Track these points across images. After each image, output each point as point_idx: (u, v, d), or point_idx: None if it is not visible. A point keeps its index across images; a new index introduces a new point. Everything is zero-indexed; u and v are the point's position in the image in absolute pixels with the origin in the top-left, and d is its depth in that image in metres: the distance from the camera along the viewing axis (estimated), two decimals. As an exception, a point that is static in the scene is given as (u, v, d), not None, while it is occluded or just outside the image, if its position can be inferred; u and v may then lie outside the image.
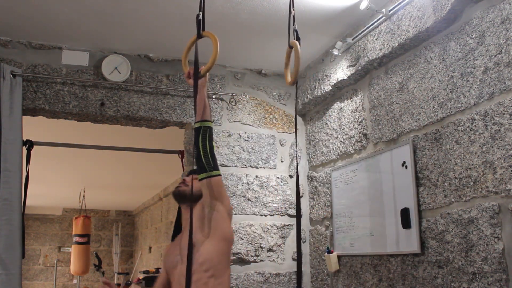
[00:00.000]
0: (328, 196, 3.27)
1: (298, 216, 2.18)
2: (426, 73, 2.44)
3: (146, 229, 9.47)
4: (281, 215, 3.46)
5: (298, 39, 2.26)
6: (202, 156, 2.12)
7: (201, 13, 2.11)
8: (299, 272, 2.13)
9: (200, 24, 2.12)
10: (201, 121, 2.18)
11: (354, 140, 3.02)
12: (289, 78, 2.38)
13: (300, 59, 2.21)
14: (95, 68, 3.22)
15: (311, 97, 3.42)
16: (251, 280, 3.27)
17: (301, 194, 3.54)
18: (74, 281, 9.65)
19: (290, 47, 2.31)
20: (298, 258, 2.14)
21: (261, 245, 3.35)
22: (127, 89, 3.26)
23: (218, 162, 3.34)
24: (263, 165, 3.49)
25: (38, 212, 10.02)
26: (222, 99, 3.46)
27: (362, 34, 2.84)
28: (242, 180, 3.40)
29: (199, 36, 2.14)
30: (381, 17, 2.66)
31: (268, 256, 3.36)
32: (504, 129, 1.97)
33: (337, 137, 3.22)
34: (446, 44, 2.33)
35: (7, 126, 2.85)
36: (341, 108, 3.19)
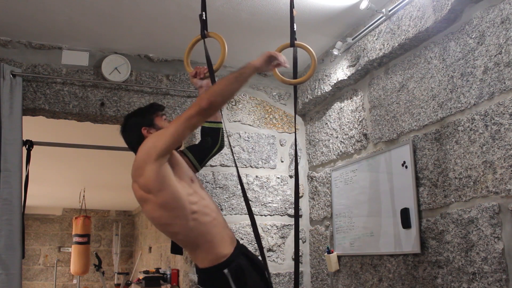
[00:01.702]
0: (328, 196, 3.27)
1: (297, 216, 2.20)
2: (426, 73, 2.44)
3: (146, 229, 9.47)
4: (281, 215, 3.46)
5: (295, 39, 2.27)
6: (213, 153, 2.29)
7: (204, 12, 2.13)
8: (296, 270, 2.15)
9: (204, 23, 2.13)
10: (220, 122, 2.27)
11: (354, 140, 3.02)
12: (277, 73, 2.38)
13: (316, 59, 2.22)
14: (95, 68, 3.22)
15: (311, 97, 3.42)
16: (251, 280, 3.27)
17: (301, 194, 3.54)
18: (74, 281, 9.64)
19: (292, 46, 2.31)
20: (296, 258, 2.16)
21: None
22: (127, 89, 3.25)
23: (218, 162, 3.37)
24: (263, 165, 3.48)
25: (38, 212, 10.01)
26: (222, 99, 3.46)
27: (362, 34, 2.84)
28: (242, 180, 3.39)
29: (204, 35, 2.15)
30: (381, 17, 2.66)
31: (268, 256, 3.35)
32: (504, 129, 1.97)
33: (337, 137, 3.22)
34: (446, 44, 2.33)
35: (7, 126, 2.85)
36: (341, 108, 3.19)
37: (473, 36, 2.17)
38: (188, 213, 1.85)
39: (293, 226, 3.45)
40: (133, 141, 2.04)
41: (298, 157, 3.61)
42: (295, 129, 2.34)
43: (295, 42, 2.25)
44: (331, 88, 3.19)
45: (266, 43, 3.15)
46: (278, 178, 3.51)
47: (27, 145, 3.20)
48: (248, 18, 2.83)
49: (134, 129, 2.05)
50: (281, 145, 3.58)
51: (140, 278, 5.81)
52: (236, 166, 2.06)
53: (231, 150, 2.12)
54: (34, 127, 3.72)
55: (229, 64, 3.52)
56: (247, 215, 3.34)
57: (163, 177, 1.84)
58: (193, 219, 1.85)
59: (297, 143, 3.61)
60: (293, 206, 3.50)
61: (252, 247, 3.31)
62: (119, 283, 7.71)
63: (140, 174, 1.86)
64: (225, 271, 1.84)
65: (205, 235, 1.86)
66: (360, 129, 2.97)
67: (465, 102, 2.18)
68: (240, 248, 1.97)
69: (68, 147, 4.34)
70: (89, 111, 3.15)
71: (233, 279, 1.83)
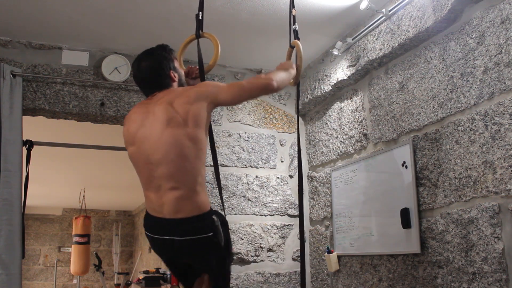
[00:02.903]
0: (328, 196, 3.27)
1: (301, 216, 2.20)
2: (426, 73, 2.44)
3: (146, 229, 9.45)
4: (281, 215, 3.46)
5: (297, 39, 2.28)
6: None
7: (201, 12, 2.14)
8: (303, 269, 2.16)
9: (200, 23, 2.14)
10: None
11: (354, 140, 3.02)
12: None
13: (302, 58, 2.22)
14: (95, 68, 3.21)
15: (311, 97, 3.42)
16: (251, 280, 3.27)
17: (301, 194, 3.54)
18: (74, 281, 9.65)
19: (291, 46, 2.32)
20: (302, 258, 2.16)
21: (261, 245, 3.35)
22: (127, 89, 3.25)
23: (218, 162, 3.35)
24: (263, 165, 3.48)
25: (38, 212, 10.02)
26: (222, 99, 3.46)
27: (362, 34, 2.84)
28: (242, 180, 3.40)
29: (199, 35, 2.16)
30: (381, 17, 2.66)
31: (268, 256, 3.35)
32: (504, 129, 1.97)
33: (337, 137, 3.21)
34: (446, 44, 2.33)
35: (7, 126, 2.85)
36: (341, 108, 3.19)
37: (473, 36, 2.17)
38: (203, 160, 1.92)
39: (293, 226, 3.46)
40: (159, 79, 2.03)
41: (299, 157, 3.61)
42: (298, 129, 2.34)
43: (292, 41, 2.26)
44: (331, 88, 3.19)
45: (266, 43, 3.15)
46: (278, 178, 3.51)
47: (27, 145, 3.20)
48: (248, 18, 2.83)
49: (165, 70, 2.04)
50: (281, 145, 3.58)
51: (140, 278, 5.81)
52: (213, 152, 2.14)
53: (212, 145, 2.15)
54: (34, 127, 3.72)
55: (229, 64, 3.52)
56: (247, 215, 3.36)
57: (205, 119, 1.92)
58: (203, 168, 1.92)
59: (296, 143, 3.62)
60: (293, 206, 3.50)
61: (251, 247, 3.31)
62: (119, 283, 7.70)
63: (188, 101, 1.89)
64: (214, 217, 1.89)
65: (203, 184, 1.92)
66: (360, 129, 2.97)
67: (465, 102, 2.18)
68: None
69: (68, 147, 4.34)
70: (89, 111, 3.15)
71: (221, 224, 1.90)
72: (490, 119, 2.04)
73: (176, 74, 2.07)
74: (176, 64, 2.11)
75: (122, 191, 8.36)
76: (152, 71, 2.04)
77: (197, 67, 2.19)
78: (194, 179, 1.87)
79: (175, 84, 2.07)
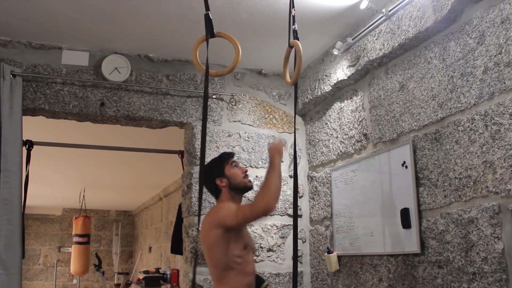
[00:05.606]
0: (328, 196, 3.27)
1: (295, 215, 2.22)
2: (426, 73, 2.44)
3: (146, 229, 9.48)
4: (281, 215, 3.46)
5: (297, 39, 2.27)
6: None
7: (209, 12, 2.11)
8: (295, 271, 2.17)
9: (209, 23, 2.11)
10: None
11: (354, 140, 3.02)
12: (288, 77, 2.40)
13: (301, 58, 2.22)
14: (95, 68, 3.22)
15: (311, 97, 3.42)
16: (251, 280, 3.27)
17: (301, 194, 3.53)
18: (74, 281, 9.65)
19: (290, 46, 2.32)
20: (295, 258, 2.17)
21: (261, 245, 3.35)
22: (127, 89, 3.25)
23: (218, 162, 3.36)
24: (263, 165, 3.48)
25: (38, 212, 10.02)
26: (222, 99, 3.46)
27: (362, 34, 2.84)
28: (242, 180, 3.39)
29: (209, 36, 2.10)
30: (381, 17, 2.66)
31: (268, 256, 3.35)
32: (504, 129, 1.97)
33: (337, 137, 3.22)
34: (446, 44, 2.33)
35: (7, 126, 2.85)
36: (341, 108, 3.19)
37: (473, 36, 2.17)
38: None
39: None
40: (212, 190, 2.46)
41: (298, 157, 3.61)
42: (295, 129, 2.35)
43: (291, 41, 2.26)
44: (331, 88, 3.19)
45: (266, 43, 3.15)
46: (278, 178, 3.50)
47: (27, 145, 3.20)
48: (248, 18, 2.83)
49: (210, 180, 2.42)
50: (281, 145, 3.58)
51: (140, 278, 5.81)
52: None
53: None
54: (34, 127, 3.73)
55: (229, 64, 3.50)
56: (247, 215, 3.36)
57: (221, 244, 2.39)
58: None
59: (296, 143, 3.62)
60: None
61: (252, 247, 3.31)
62: (119, 283, 7.72)
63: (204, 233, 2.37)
64: None
65: None
66: (360, 129, 2.97)
67: (465, 102, 2.18)
68: None
69: (68, 147, 4.34)
70: (89, 111, 3.15)
71: None
72: (490, 119, 2.04)
73: (224, 179, 2.41)
74: (228, 169, 2.43)
75: (122, 191, 8.36)
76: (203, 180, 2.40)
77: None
78: None
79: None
